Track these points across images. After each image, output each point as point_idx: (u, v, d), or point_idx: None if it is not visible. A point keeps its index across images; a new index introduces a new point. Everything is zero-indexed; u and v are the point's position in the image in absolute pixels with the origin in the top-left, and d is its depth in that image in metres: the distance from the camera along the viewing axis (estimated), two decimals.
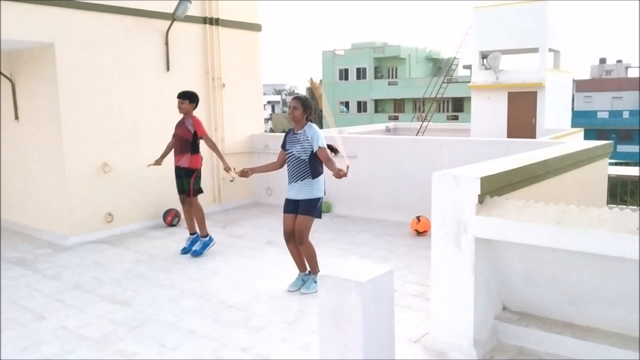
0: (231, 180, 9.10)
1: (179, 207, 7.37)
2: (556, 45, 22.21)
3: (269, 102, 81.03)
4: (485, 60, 22.36)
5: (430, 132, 21.75)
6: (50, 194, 7.51)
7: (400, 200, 7.91)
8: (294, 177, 5.20)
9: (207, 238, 6.66)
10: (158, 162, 6.84)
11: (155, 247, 7.00)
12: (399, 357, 3.88)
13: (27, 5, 6.67)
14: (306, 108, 5.22)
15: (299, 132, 5.21)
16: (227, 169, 6.36)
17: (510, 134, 21.56)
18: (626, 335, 3.68)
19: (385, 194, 8.09)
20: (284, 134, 5.56)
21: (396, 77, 50.08)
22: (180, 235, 7.28)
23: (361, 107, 50.49)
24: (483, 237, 3.75)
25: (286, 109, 74.34)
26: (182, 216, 7.67)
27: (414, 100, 45.43)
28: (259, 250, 6.73)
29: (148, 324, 4.57)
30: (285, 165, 5.31)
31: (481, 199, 3.76)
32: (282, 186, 9.12)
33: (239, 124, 9.37)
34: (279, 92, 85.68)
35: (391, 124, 23.20)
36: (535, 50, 21.77)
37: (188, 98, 6.57)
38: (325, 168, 5.19)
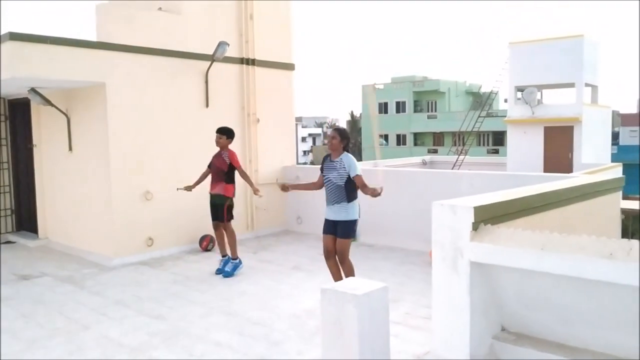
0: (264, 209, 9.74)
1: (214, 233, 7.96)
2: (593, 80, 22.29)
3: (310, 135, 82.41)
4: (521, 94, 22.58)
5: (467, 165, 21.92)
6: (97, 219, 8.21)
7: (422, 230, 8.22)
8: (331, 201, 5.69)
9: (237, 261, 7.20)
10: (188, 188, 7.46)
11: (191, 269, 7.56)
12: None
13: (82, 49, 7.48)
14: (343, 138, 5.72)
15: (335, 160, 5.68)
16: (256, 191, 7.21)
17: (547, 168, 21.56)
18: (611, 355, 3.97)
19: (408, 224, 8.47)
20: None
21: (435, 111, 50.49)
22: (214, 259, 7.83)
23: (400, 140, 50.96)
24: (477, 261, 4.13)
25: (326, 141, 75.67)
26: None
27: (453, 134, 45.55)
28: (286, 274, 7.20)
29: (179, 336, 5.08)
30: (324, 189, 5.81)
31: (475, 227, 4.15)
32: (311, 216, 9.67)
33: (272, 156, 9.97)
34: (320, 125, 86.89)
35: (427, 157, 23.50)
36: (571, 85, 21.91)
37: (225, 134, 7.23)
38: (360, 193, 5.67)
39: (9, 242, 9.60)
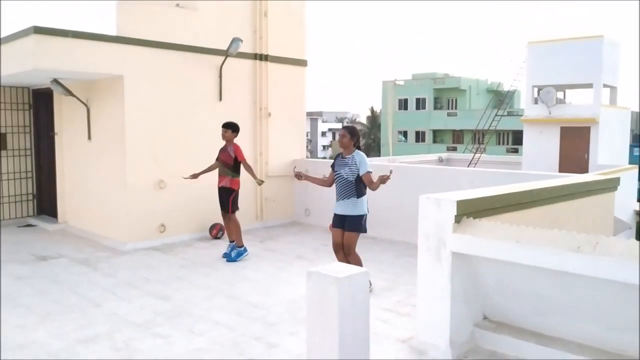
0: (273, 201, 10.07)
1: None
2: (613, 81, 22.18)
3: (330, 130, 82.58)
4: (538, 94, 22.57)
5: (483, 163, 21.98)
6: (112, 205, 8.61)
7: None
8: (341, 196, 5.97)
9: (243, 248, 7.56)
10: (194, 175, 7.81)
11: (199, 255, 7.92)
12: (388, 354, 4.57)
13: (102, 43, 7.86)
14: (353, 136, 6.01)
15: (347, 156, 5.98)
16: (260, 182, 7.68)
17: (562, 169, 21.54)
18: (582, 344, 4.21)
19: (410, 218, 8.66)
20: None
21: (456, 108, 50.36)
22: (223, 247, 8.16)
23: (419, 137, 50.96)
24: (459, 251, 4.39)
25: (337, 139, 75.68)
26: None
27: (473, 132, 45.48)
28: (288, 262, 7.52)
29: (182, 315, 5.42)
30: (334, 185, 6.09)
31: (458, 219, 4.42)
32: (319, 208, 9.97)
33: (283, 149, 10.27)
34: (340, 120, 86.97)
35: (444, 155, 23.59)
36: (589, 85, 21.84)
37: (230, 128, 7.60)
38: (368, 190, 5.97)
39: (29, 225, 10.07)
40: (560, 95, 27.08)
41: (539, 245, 3.92)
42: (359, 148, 6.06)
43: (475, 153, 24.41)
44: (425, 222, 4.59)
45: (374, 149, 57.02)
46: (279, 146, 10.22)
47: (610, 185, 6.69)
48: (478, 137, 38.72)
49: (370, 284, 6.14)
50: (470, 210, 4.49)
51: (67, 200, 9.86)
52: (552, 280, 4.10)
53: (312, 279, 3.81)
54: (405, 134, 51.61)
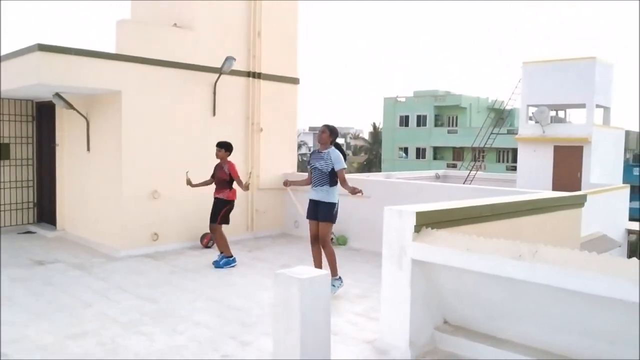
0: (264, 212, 10.46)
1: None
2: (606, 101, 22.61)
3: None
4: (531, 113, 23.01)
5: (478, 180, 22.34)
6: (108, 213, 9.02)
7: None
8: (315, 184, 6.66)
9: (232, 258, 8.03)
10: (190, 182, 8.26)
11: (189, 262, 8.32)
12: (352, 353, 4.93)
13: (102, 60, 8.33)
14: (332, 134, 6.71)
15: (323, 151, 6.64)
16: (246, 187, 8.07)
17: (556, 187, 21.88)
18: (529, 346, 4.57)
19: None
20: None
21: (456, 126, 50.83)
22: (212, 256, 8.53)
23: (420, 153, 51.40)
24: (418, 259, 4.78)
25: (349, 151, 76.02)
26: None
27: (473, 149, 45.88)
28: (273, 271, 7.81)
29: (166, 316, 5.81)
30: (311, 176, 6.72)
31: (418, 229, 4.81)
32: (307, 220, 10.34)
33: (274, 163, 10.70)
34: (343, 136, 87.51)
35: (441, 172, 23.99)
36: (582, 106, 22.26)
37: (224, 147, 8.12)
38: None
39: (29, 232, 10.50)
40: (561, 114, 27.55)
41: (485, 253, 4.30)
42: (336, 146, 6.70)
43: (470, 170, 24.79)
44: (389, 231, 4.98)
45: (375, 165, 57.45)
46: (270, 160, 10.64)
47: (576, 201, 7.07)
48: (475, 155, 39.12)
49: (341, 282, 6.58)
50: (430, 221, 4.88)
51: (65, 209, 10.29)
52: (500, 286, 4.47)
53: (278, 280, 4.20)
54: (406, 150, 52.07)
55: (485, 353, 4.68)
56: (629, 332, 3.82)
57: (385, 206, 5.07)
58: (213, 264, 8.05)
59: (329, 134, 6.65)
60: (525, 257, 4.15)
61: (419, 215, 4.77)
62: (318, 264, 6.66)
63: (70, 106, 9.16)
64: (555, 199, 6.69)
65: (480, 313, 4.84)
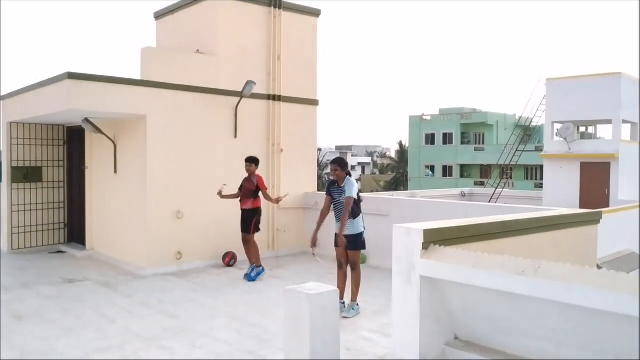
0: (284, 231, 10.69)
1: (236, 250, 9.18)
2: (632, 117, 22.36)
3: (359, 164, 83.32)
4: (557, 130, 22.88)
5: (504, 198, 22.24)
6: (134, 233, 9.35)
7: None
8: (339, 218, 6.86)
9: (261, 268, 8.52)
10: (221, 193, 8.58)
11: (211, 280, 8.56)
12: None
13: (128, 86, 8.72)
14: (344, 168, 6.91)
15: (342, 185, 6.85)
16: (277, 201, 8.71)
17: (583, 204, 21.64)
18: None
19: None
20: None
21: (483, 143, 50.57)
22: (234, 274, 8.79)
23: (447, 171, 51.19)
24: (426, 275, 4.91)
25: (376, 170, 75.92)
26: (238, 258, 9.43)
27: (497, 166, 45.54)
28: None
29: (187, 331, 6.03)
30: (332, 209, 6.96)
31: (426, 246, 4.95)
32: (328, 239, 10.49)
33: (294, 183, 10.93)
34: (370, 154, 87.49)
35: (467, 189, 23.99)
36: (608, 122, 22.06)
37: (254, 162, 8.56)
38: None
39: (60, 251, 10.91)
40: (590, 129, 27.27)
41: (490, 270, 4.42)
42: (348, 174, 6.92)
43: (496, 188, 24.67)
44: (398, 248, 5.13)
45: (402, 183, 57.35)
46: (290, 180, 10.88)
47: (590, 219, 7.09)
48: (502, 172, 38.78)
49: (358, 309, 6.73)
50: (437, 239, 5.02)
51: (94, 229, 10.67)
52: (507, 301, 4.57)
53: (288, 295, 4.39)
54: (432, 168, 51.91)
55: None
56: (632, 347, 3.89)
57: (394, 224, 5.22)
58: (245, 277, 8.47)
59: (341, 170, 6.86)
60: (528, 272, 4.25)
61: (427, 232, 4.91)
62: (340, 287, 6.82)
63: (99, 130, 9.57)
64: (568, 216, 6.73)
65: (489, 329, 4.94)
